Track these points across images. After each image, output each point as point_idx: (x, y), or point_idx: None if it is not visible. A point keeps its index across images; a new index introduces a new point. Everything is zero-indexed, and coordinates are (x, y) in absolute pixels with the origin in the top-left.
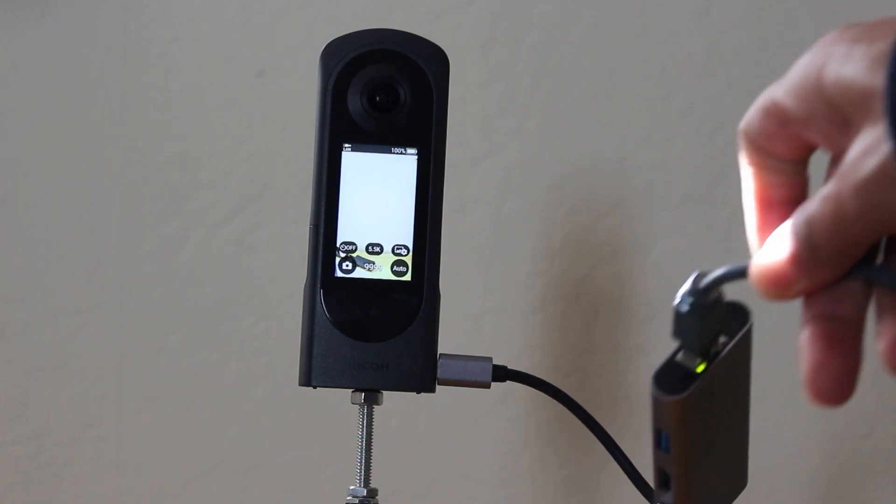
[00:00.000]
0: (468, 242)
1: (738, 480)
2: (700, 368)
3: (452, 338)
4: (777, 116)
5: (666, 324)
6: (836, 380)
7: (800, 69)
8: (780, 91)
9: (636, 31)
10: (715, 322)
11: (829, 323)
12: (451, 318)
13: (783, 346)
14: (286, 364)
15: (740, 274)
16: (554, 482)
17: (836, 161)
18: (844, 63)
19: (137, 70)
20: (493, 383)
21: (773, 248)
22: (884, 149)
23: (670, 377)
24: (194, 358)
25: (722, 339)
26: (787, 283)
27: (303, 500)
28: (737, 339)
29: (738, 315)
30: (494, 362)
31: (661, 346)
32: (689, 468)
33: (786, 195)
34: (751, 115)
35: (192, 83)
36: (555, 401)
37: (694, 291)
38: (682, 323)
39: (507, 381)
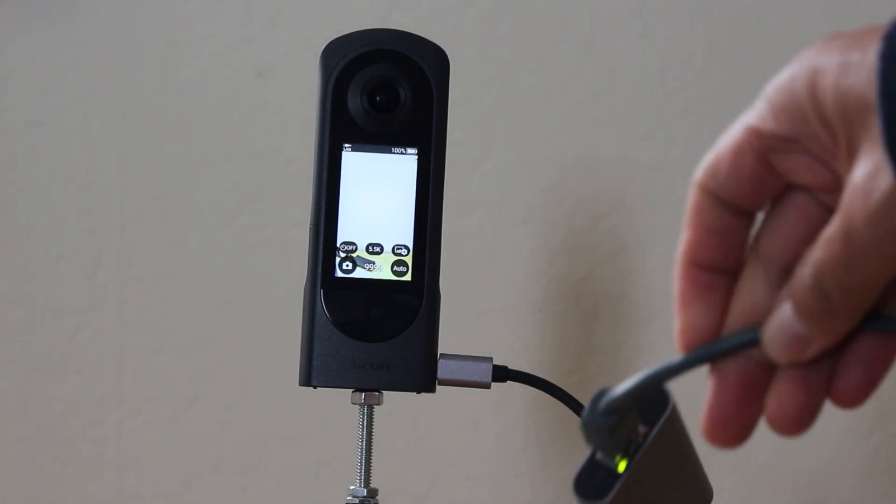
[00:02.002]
0: (468, 242)
1: (702, 497)
2: (621, 466)
3: (452, 338)
4: (756, 149)
5: (667, 323)
6: (737, 423)
7: (781, 88)
8: (758, 118)
9: (636, 31)
10: (630, 421)
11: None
12: (451, 318)
13: None
14: (286, 364)
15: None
16: (554, 482)
17: (809, 196)
18: (842, 75)
19: (137, 70)
20: (493, 383)
21: (778, 314)
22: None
23: (591, 478)
24: (194, 358)
25: (642, 430)
26: (802, 344)
27: (303, 500)
28: (658, 426)
29: (658, 398)
30: (494, 362)
31: (661, 346)
32: None
33: (720, 260)
34: (715, 160)
35: (192, 83)
36: (555, 401)
37: (593, 414)
38: (591, 434)
39: (507, 381)
